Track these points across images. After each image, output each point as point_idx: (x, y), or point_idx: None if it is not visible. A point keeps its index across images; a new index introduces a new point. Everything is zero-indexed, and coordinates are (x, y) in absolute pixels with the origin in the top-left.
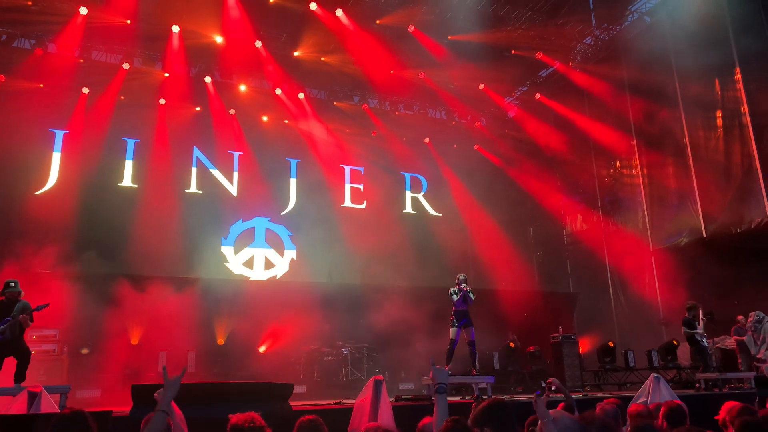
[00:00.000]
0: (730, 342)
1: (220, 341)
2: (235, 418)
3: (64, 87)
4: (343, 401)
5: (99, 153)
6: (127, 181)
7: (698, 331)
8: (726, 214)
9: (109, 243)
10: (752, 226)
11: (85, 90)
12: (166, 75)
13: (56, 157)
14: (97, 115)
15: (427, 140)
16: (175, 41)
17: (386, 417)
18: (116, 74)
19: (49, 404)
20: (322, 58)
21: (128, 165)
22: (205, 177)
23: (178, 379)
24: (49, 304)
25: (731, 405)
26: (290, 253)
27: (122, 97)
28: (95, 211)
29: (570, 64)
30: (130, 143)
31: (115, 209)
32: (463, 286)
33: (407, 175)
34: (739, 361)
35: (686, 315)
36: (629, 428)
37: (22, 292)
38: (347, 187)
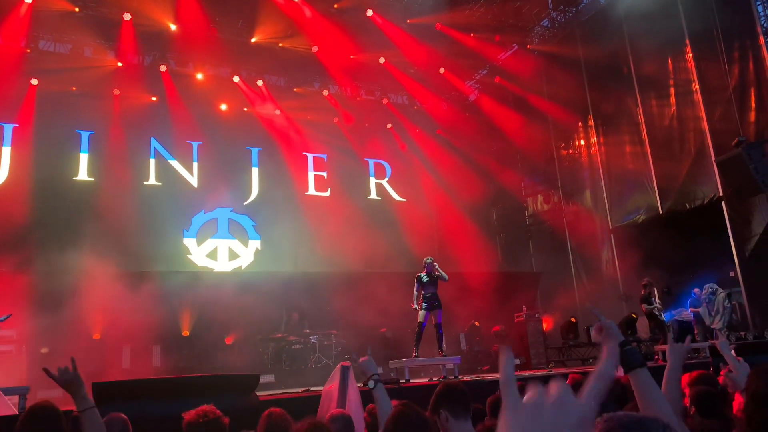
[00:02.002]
0: (686, 314)
1: (185, 333)
2: (189, 415)
3: (10, 78)
4: (311, 389)
5: (52, 146)
6: (83, 174)
7: (656, 305)
8: (680, 191)
9: (67, 239)
10: (705, 202)
11: (34, 81)
12: (119, 64)
13: (6, 152)
14: (48, 107)
15: (389, 126)
16: (127, 29)
17: (354, 403)
18: (66, 64)
19: (7, 406)
20: (280, 44)
21: (83, 158)
22: (163, 168)
23: (69, 373)
24: (11, 315)
25: (688, 374)
26: (255, 243)
27: (74, 88)
28: (51, 206)
29: (528, 46)
30: (85, 135)
31: (71, 204)
32: (435, 267)
33: (371, 161)
34: (696, 331)
35: (642, 292)
36: None
37: None
38: (311, 174)
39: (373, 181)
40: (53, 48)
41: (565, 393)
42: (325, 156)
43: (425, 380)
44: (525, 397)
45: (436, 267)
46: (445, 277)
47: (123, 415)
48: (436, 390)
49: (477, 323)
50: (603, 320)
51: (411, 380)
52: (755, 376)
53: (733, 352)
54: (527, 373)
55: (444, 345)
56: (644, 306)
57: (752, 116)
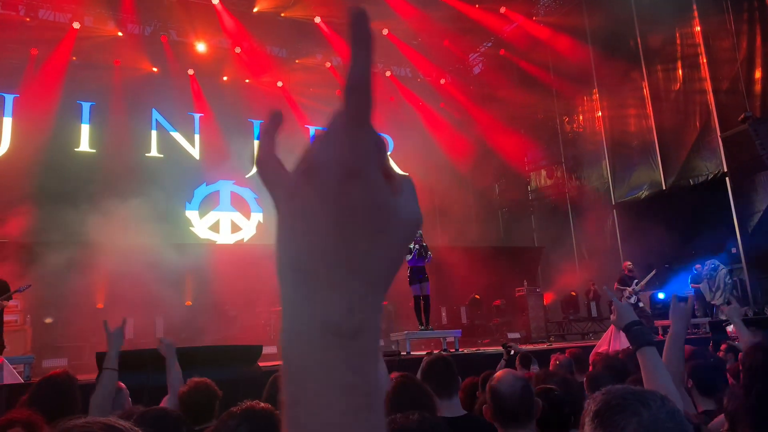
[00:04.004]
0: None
1: (189, 304)
2: (183, 387)
3: (11, 48)
4: None
5: (53, 117)
6: (84, 146)
7: (630, 288)
8: (684, 167)
9: (69, 209)
10: (709, 178)
11: (34, 51)
12: (120, 34)
13: (8, 122)
14: (48, 77)
15: (392, 98)
16: None
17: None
18: (66, 34)
19: (12, 375)
20: (282, 14)
21: (84, 129)
22: (165, 140)
23: (120, 331)
24: (30, 286)
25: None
26: (257, 216)
27: (74, 58)
28: (52, 177)
29: (534, 18)
30: (86, 106)
31: (73, 175)
32: (423, 244)
33: None
34: (696, 307)
35: (626, 273)
36: (587, 375)
37: None
38: None
39: None
40: (53, 17)
41: None
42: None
43: (426, 352)
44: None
45: (423, 244)
46: (429, 256)
47: (122, 384)
48: (425, 360)
49: (478, 297)
50: (616, 302)
51: (412, 353)
52: (753, 350)
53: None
54: (527, 347)
55: (428, 319)
56: (618, 285)
57: (758, 89)
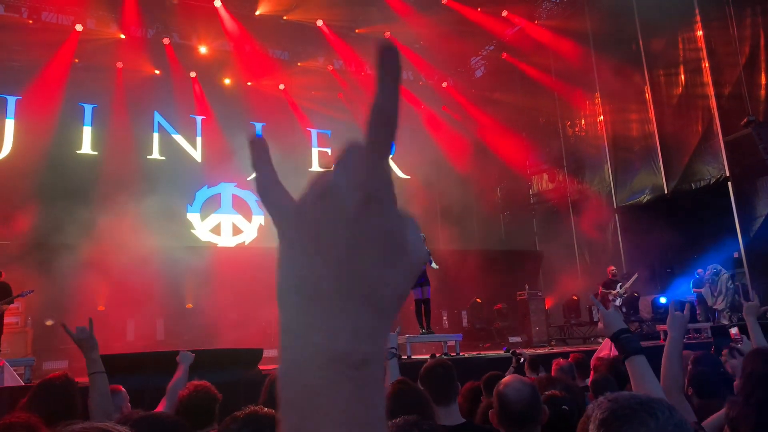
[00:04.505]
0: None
1: (189, 306)
2: (183, 390)
3: (13, 50)
4: None
5: (55, 119)
6: (86, 148)
7: (614, 291)
8: (687, 171)
9: (71, 212)
10: (711, 182)
11: (37, 53)
12: (122, 37)
13: (10, 124)
14: (51, 79)
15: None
16: (130, 1)
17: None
18: (69, 36)
19: (13, 378)
20: (285, 17)
21: (87, 131)
22: (167, 142)
23: (86, 332)
24: (32, 291)
25: (685, 354)
26: (258, 219)
27: (77, 60)
28: (54, 179)
29: (536, 21)
30: (88, 109)
31: (75, 177)
32: (426, 248)
33: None
34: (698, 312)
35: (610, 277)
36: (591, 380)
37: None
38: (314, 151)
39: None
40: (55, 20)
41: None
42: (329, 132)
43: (428, 356)
44: None
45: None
46: (435, 266)
47: (121, 388)
48: (425, 365)
49: (479, 300)
50: (602, 310)
51: (413, 356)
52: (754, 356)
53: (737, 329)
54: (529, 351)
55: (428, 322)
56: (602, 288)
57: (762, 94)
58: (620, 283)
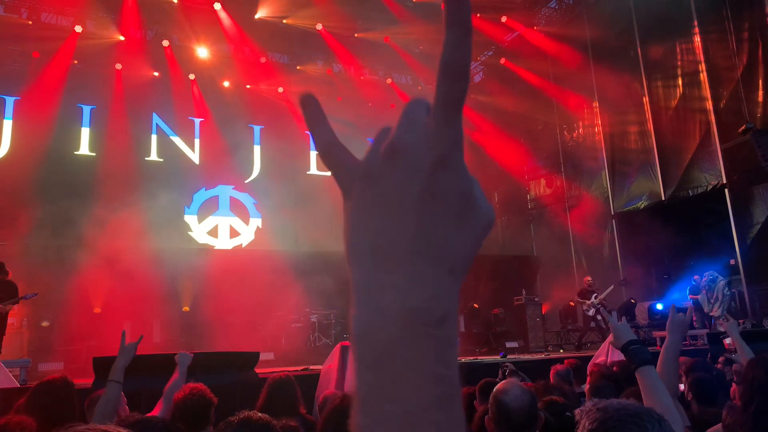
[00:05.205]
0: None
1: (186, 309)
2: (179, 393)
3: (12, 51)
4: (310, 367)
5: (53, 120)
6: (84, 149)
7: (588, 301)
8: (684, 178)
9: (68, 212)
10: (708, 189)
11: (36, 54)
12: (122, 38)
13: (8, 125)
14: (49, 80)
15: (392, 105)
16: (130, 2)
17: (353, 382)
18: (68, 37)
19: (8, 379)
20: (284, 21)
21: (85, 132)
22: (165, 144)
23: (134, 346)
24: (37, 294)
25: (682, 360)
26: (256, 221)
27: (76, 62)
28: (52, 180)
29: (535, 28)
30: (86, 110)
31: (72, 178)
32: None
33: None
34: (694, 318)
35: (585, 287)
36: (587, 386)
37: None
38: (312, 153)
39: None
40: (55, 20)
41: None
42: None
43: None
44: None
45: None
46: None
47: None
48: None
49: (476, 306)
50: (612, 321)
51: None
52: (754, 364)
53: (730, 338)
54: (526, 357)
55: None
56: (577, 298)
57: (759, 102)
58: (595, 294)
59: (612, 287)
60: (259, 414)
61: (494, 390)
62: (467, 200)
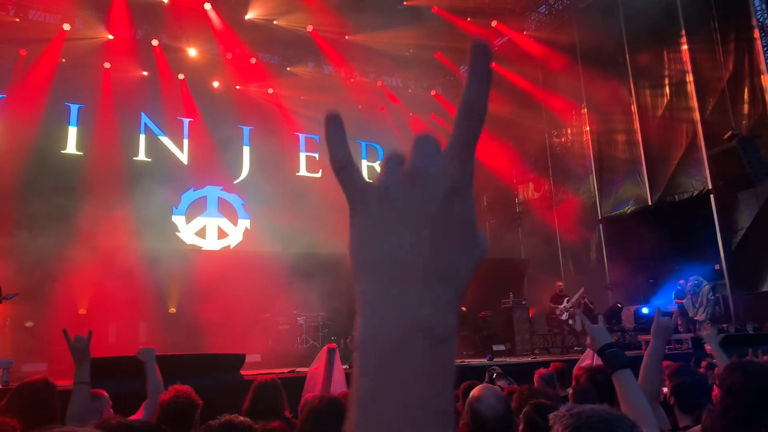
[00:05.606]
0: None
1: (172, 311)
2: (164, 395)
3: None
4: (297, 370)
5: (40, 118)
6: (71, 148)
7: (561, 306)
8: (670, 183)
9: (54, 211)
10: (694, 194)
11: (23, 51)
12: (111, 37)
13: None
14: (37, 78)
15: (382, 108)
16: (119, 1)
17: (339, 384)
18: (56, 35)
19: None
20: (275, 22)
21: (72, 131)
22: (153, 144)
23: (83, 342)
24: (17, 294)
25: (666, 364)
26: (244, 223)
27: (63, 60)
28: (38, 179)
29: (524, 32)
30: (74, 108)
31: (59, 177)
32: None
33: (363, 144)
34: (679, 323)
35: (557, 292)
36: (571, 390)
37: None
38: (302, 155)
39: (365, 163)
40: (43, 18)
41: None
42: (317, 137)
43: None
44: None
45: None
46: None
47: (104, 392)
48: None
49: (464, 309)
50: (588, 325)
51: None
52: (731, 369)
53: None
54: (512, 360)
55: None
56: (550, 304)
57: (745, 109)
58: (567, 298)
59: (582, 290)
60: (241, 418)
61: (469, 397)
62: (472, 228)
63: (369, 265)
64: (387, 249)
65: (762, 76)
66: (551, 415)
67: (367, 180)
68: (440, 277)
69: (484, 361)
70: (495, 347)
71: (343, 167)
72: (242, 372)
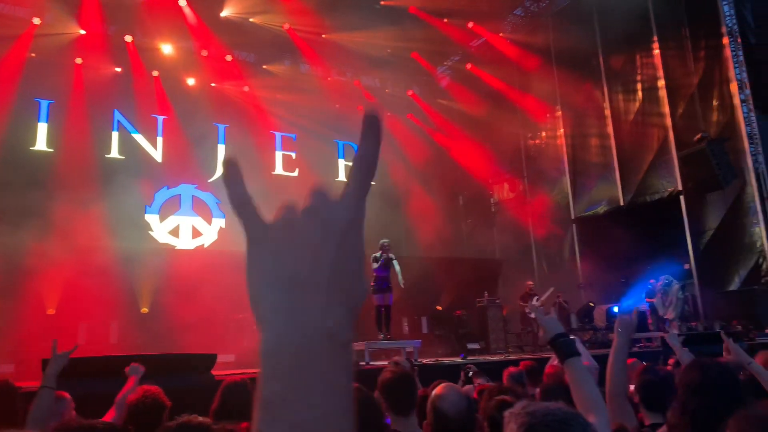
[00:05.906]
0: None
1: (144, 311)
2: (132, 395)
3: None
4: None
5: (8, 114)
6: (41, 145)
7: (530, 304)
8: (642, 184)
9: (23, 210)
10: (665, 196)
11: None
12: (82, 32)
13: None
14: (5, 73)
15: (359, 107)
16: None
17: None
18: (26, 30)
19: None
20: (251, 20)
21: (42, 128)
22: (127, 142)
23: (66, 355)
24: None
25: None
26: (219, 222)
27: (33, 55)
28: (7, 175)
29: (500, 34)
30: (44, 104)
31: (28, 175)
32: (390, 255)
33: (340, 143)
34: (650, 321)
35: (527, 291)
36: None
37: None
38: (278, 154)
39: (342, 162)
40: (11, 11)
41: None
42: (294, 135)
43: (386, 363)
44: None
45: (391, 255)
46: (397, 269)
47: (67, 395)
48: (379, 380)
49: (440, 308)
50: (539, 316)
51: (372, 362)
52: (689, 367)
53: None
54: (486, 358)
55: (389, 328)
56: (519, 302)
57: (714, 116)
58: (537, 297)
59: (552, 290)
60: (200, 418)
61: (431, 396)
62: (362, 259)
63: (273, 281)
64: (291, 267)
65: (730, 84)
66: (506, 413)
67: (265, 218)
68: (341, 291)
69: (458, 359)
70: (469, 345)
71: (245, 203)
72: (214, 372)
